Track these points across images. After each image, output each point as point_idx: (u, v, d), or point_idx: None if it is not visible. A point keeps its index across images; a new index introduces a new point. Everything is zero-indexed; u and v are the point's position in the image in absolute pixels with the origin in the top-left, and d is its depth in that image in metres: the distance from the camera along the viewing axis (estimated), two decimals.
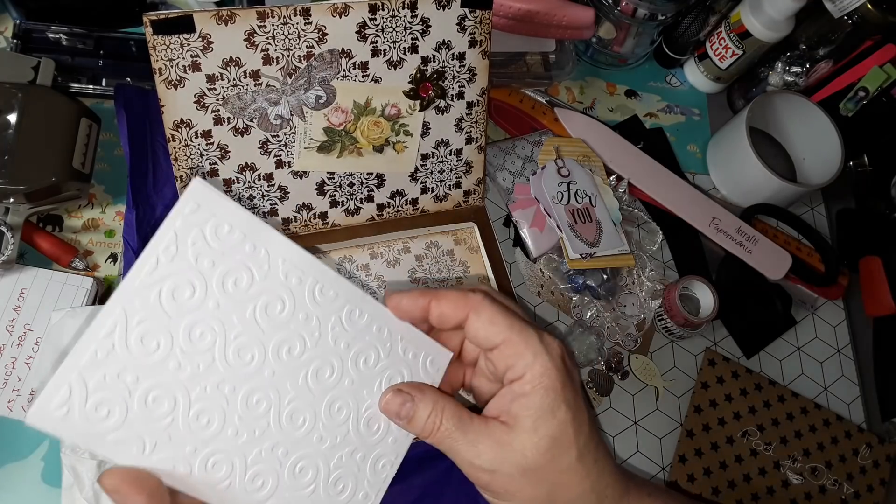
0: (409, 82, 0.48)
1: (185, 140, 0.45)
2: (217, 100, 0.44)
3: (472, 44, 0.49)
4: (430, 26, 0.47)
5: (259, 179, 0.48)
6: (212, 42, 0.42)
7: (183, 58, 0.42)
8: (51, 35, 0.55)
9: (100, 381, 0.26)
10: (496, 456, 0.29)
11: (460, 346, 0.34)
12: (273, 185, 0.48)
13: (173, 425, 0.27)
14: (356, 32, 0.45)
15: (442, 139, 0.52)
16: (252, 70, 0.44)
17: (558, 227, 0.55)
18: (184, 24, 0.41)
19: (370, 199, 0.52)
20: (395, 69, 0.48)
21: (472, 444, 0.30)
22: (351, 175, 0.50)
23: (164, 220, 0.27)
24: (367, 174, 0.51)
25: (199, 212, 0.27)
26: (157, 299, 0.27)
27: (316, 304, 0.30)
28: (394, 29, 0.46)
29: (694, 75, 0.74)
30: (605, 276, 0.57)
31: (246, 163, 0.47)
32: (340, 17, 0.44)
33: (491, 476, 0.29)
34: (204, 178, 0.29)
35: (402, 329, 0.32)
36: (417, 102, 0.49)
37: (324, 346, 0.30)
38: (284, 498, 0.29)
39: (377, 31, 0.46)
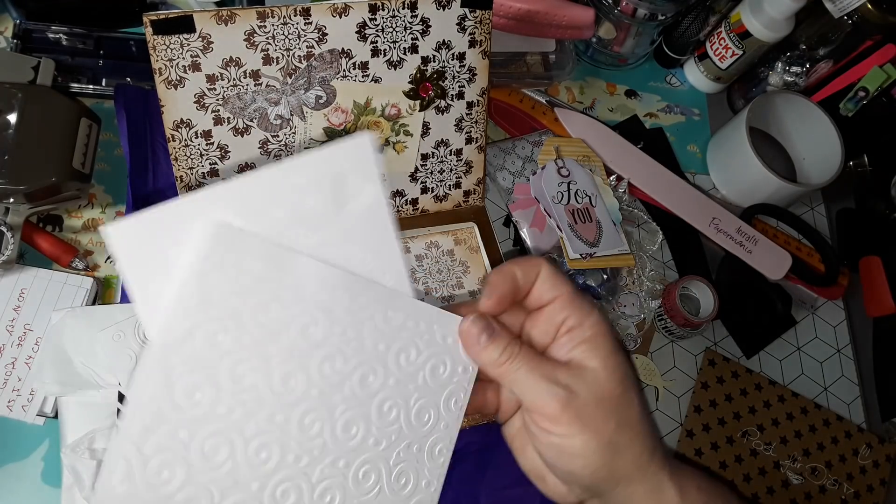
0: (409, 82, 0.48)
1: (185, 140, 0.45)
2: (217, 100, 0.44)
3: (472, 44, 0.49)
4: (430, 26, 0.47)
5: None
6: (212, 42, 0.42)
7: (183, 58, 0.42)
8: (51, 35, 0.55)
9: (155, 446, 0.25)
10: (572, 381, 0.30)
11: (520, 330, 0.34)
12: None
13: (235, 468, 0.27)
14: (356, 32, 0.45)
15: (442, 139, 0.52)
16: (252, 70, 0.44)
17: (558, 227, 0.55)
18: (184, 24, 0.41)
19: None
20: (395, 69, 0.48)
21: (546, 374, 0.30)
22: None
23: (186, 269, 0.26)
24: None
25: (227, 255, 0.27)
26: (193, 349, 0.26)
27: (350, 315, 0.30)
28: (394, 29, 0.46)
29: (694, 75, 0.74)
30: (605, 276, 0.57)
31: (246, 163, 0.47)
32: (340, 17, 0.44)
33: (563, 405, 0.29)
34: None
35: (435, 316, 0.32)
36: (417, 102, 0.49)
37: (364, 353, 0.30)
38: None
39: (377, 31, 0.46)
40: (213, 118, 0.45)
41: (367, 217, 0.30)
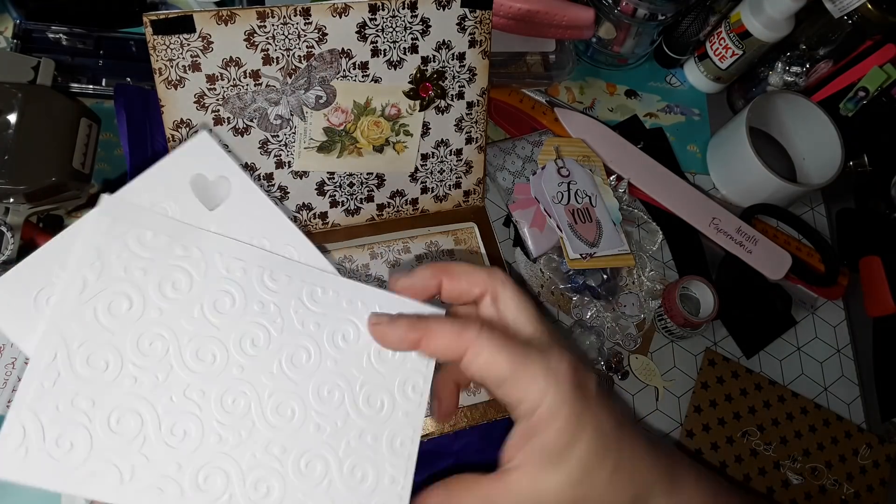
0: (409, 82, 0.48)
1: (185, 140, 0.45)
2: (217, 100, 0.44)
3: (472, 44, 0.49)
4: (430, 26, 0.47)
5: (259, 179, 0.48)
6: (212, 42, 0.42)
7: (183, 58, 0.42)
8: (51, 35, 0.55)
9: (53, 413, 0.24)
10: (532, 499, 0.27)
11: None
12: (273, 185, 0.48)
13: (146, 444, 0.25)
14: (356, 32, 0.45)
15: (442, 139, 0.52)
16: (252, 70, 0.44)
17: (558, 227, 0.55)
18: (184, 24, 0.41)
19: (370, 199, 0.52)
20: (395, 69, 0.48)
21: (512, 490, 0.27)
22: (351, 175, 0.50)
23: (80, 240, 0.26)
24: (367, 174, 0.51)
25: (116, 224, 0.26)
26: (93, 318, 0.26)
27: (269, 291, 0.29)
28: (394, 29, 0.46)
29: (694, 75, 0.74)
30: (605, 276, 0.57)
31: (246, 163, 0.47)
32: (340, 17, 0.44)
33: None
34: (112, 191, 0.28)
35: (379, 297, 0.30)
36: (417, 102, 0.49)
37: (291, 331, 0.29)
38: (298, 499, 0.27)
39: (377, 31, 0.46)
40: (213, 118, 0.45)
41: (246, 206, 0.29)
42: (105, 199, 0.27)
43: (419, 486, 0.47)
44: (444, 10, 0.47)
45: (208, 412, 0.27)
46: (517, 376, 0.27)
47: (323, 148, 0.48)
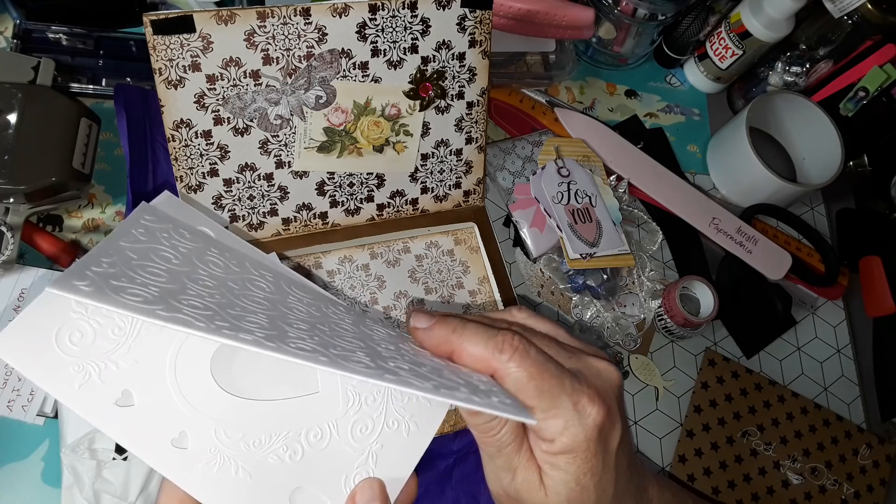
0: (409, 82, 0.48)
1: (185, 140, 0.45)
2: (217, 100, 0.44)
3: (472, 44, 0.49)
4: (430, 26, 0.47)
5: (259, 179, 0.48)
6: (212, 42, 0.42)
7: (183, 58, 0.42)
8: (51, 35, 0.55)
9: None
10: (520, 492, 0.28)
11: None
12: (273, 185, 0.48)
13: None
14: (356, 32, 0.45)
15: (442, 139, 0.52)
16: (252, 70, 0.44)
17: (558, 227, 0.55)
18: (184, 24, 0.41)
19: (370, 199, 0.52)
20: (395, 69, 0.48)
21: (509, 469, 0.28)
22: (351, 175, 0.50)
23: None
24: (367, 174, 0.51)
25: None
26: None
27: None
28: (394, 29, 0.46)
29: (694, 75, 0.74)
30: (605, 276, 0.57)
31: (246, 163, 0.47)
32: (340, 17, 0.44)
33: (507, 500, 0.29)
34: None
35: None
36: (417, 102, 0.49)
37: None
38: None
39: (377, 31, 0.46)
40: (213, 118, 0.45)
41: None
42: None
43: (420, 485, 0.47)
44: (444, 10, 0.47)
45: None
46: (544, 406, 0.26)
47: (323, 148, 0.48)
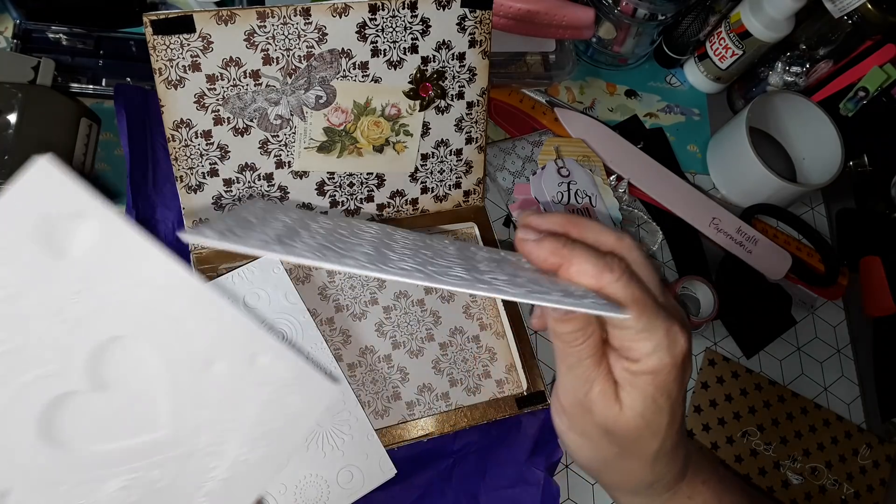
0: (409, 82, 0.48)
1: (185, 140, 0.45)
2: (217, 100, 0.44)
3: (472, 44, 0.49)
4: (430, 26, 0.47)
5: (259, 179, 0.48)
6: (212, 42, 0.42)
7: (183, 58, 0.42)
8: (51, 35, 0.55)
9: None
10: (596, 402, 0.29)
11: None
12: (273, 185, 0.48)
13: None
14: (356, 32, 0.45)
15: (442, 139, 0.52)
16: (252, 70, 0.44)
17: None
18: (184, 24, 0.41)
19: (370, 199, 0.52)
20: (395, 69, 0.48)
21: (587, 380, 0.29)
22: (351, 175, 0.50)
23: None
24: (367, 174, 0.51)
25: None
26: None
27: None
28: (394, 29, 0.46)
29: (694, 75, 0.74)
30: None
31: (246, 163, 0.47)
32: (340, 17, 0.44)
33: (580, 411, 0.29)
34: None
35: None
36: (417, 102, 0.49)
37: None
38: None
39: (377, 31, 0.46)
40: (213, 118, 0.45)
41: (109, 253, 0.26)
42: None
43: (420, 485, 0.47)
44: (444, 10, 0.47)
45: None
46: (641, 330, 0.28)
47: (323, 148, 0.48)
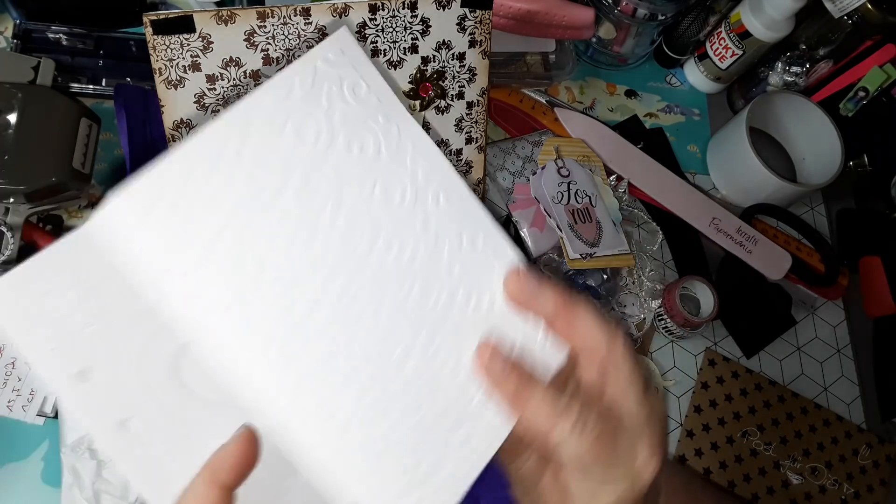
0: (409, 82, 0.48)
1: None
2: (217, 100, 0.44)
3: (472, 44, 0.49)
4: (430, 26, 0.47)
5: None
6: (212, 42, 0.42)
7: (183, 58, 0.42)
8: (51, 35, 0.55)
9: (197, 186, 0.23)
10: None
11: None
12: None
13: (240, 270, 0.23)
14: (356, 32, 0.45)
15: (442, 139, 0.52)
16: (252, 70, 0.44)
17: (558, 227, 0.55)
18: (184, 24, 0.41)
19: None
20: (395, 69, 0.48)
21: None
22: None
23: (302, 56, 0.24)
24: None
25: (341, 60, 0.25)
26: (281, 128, 0.24)
27: (438, 210, 0.26)
28: (394, 29, 0.46)
29: (694, 75, 0.74)
30: (605, 276, 0.57)
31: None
32: (340, 17, 0.44)
33: None
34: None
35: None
36: (417, 102, 0.49)
37: (434, 263, 0.26)
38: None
39: (377, 31, 0.46)
40: (213, 118, 0.45)
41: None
42: (344, 31, 0.25)
43: None
44: (444, 10, 0.47)
45: (319, 278, 0.24)
46: (603, 480, 0.26)
47: None
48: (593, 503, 0.26)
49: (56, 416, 0.45)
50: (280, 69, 0.26)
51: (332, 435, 0.24)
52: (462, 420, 0.26)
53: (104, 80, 0.55)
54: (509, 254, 0.27)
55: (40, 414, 0.45)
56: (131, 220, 0.22)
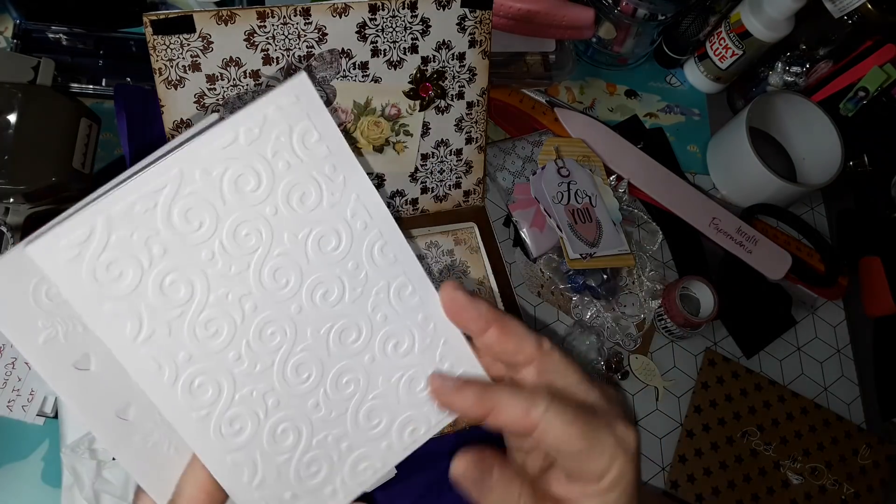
0: (409, 82, 0.48)
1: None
2: (217, 100, 0.44)
3: (472, 44, 0.49)
4: (430, 26, 0.47)
5: None
6: (212, 42, 0.42)
7: (183, 58, 0.42)
8: (51, 35, 0.55)
9: (124, 239, 0.23)
10: None
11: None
12: None
13: (178, 320, 0.24)
14: (356, 32, 0.45)
15: (442, 139, 0.52)
16: (252, 70, 0.44)
17: (558, 227, 0.55)
18: (184, 24, 0.41)
19: None
20: (395, 69, 0.48)
21: None
22: None
23: (254, 102, 0.24)
24: (367, 174, 0.51)
25: (294, 107, 0.25)
26: (219, 177, 0.24)
27: (371, 260, 0.27)
28: (394, 29, 0.46)
29: (694, 75, 0.74)
30: (605, 276, 0.57)
31: None
32: (340, 17, 0.44)
33: None
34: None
35: (448, 332, 0.29)
36: (417, 102, 0.49)
37: (360, 308, 0.27)
38: (256, 449, 0.27)
39: (377, 31, 0.46)
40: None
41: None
42: (303, 77, 0.25)
43: (419, 486, 0.47)
44: (444, 10, 0.47)
45: (245, 329, 0.26)
46: (590, 448, 0.27)
47: None
48: (600, 478, 0.27)
49: (56, 416, 0.45)
50: (232, 111, 0.26)
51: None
52: (359, 445, 0.29)
53: (104, 80, 0.55)
54: (435, 303, 0.29)
55: (40, 414, 0.45)
56: (64, 255, 0.23)
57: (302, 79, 0.25)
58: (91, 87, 0.55)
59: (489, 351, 0.29)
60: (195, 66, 0.43)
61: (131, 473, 0.26)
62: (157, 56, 0.42)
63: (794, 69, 0.69)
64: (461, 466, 0.29)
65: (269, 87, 0.45)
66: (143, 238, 0.24)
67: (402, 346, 0.29)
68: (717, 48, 0.69)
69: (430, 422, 0.30)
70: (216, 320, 0.25)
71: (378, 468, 0.29)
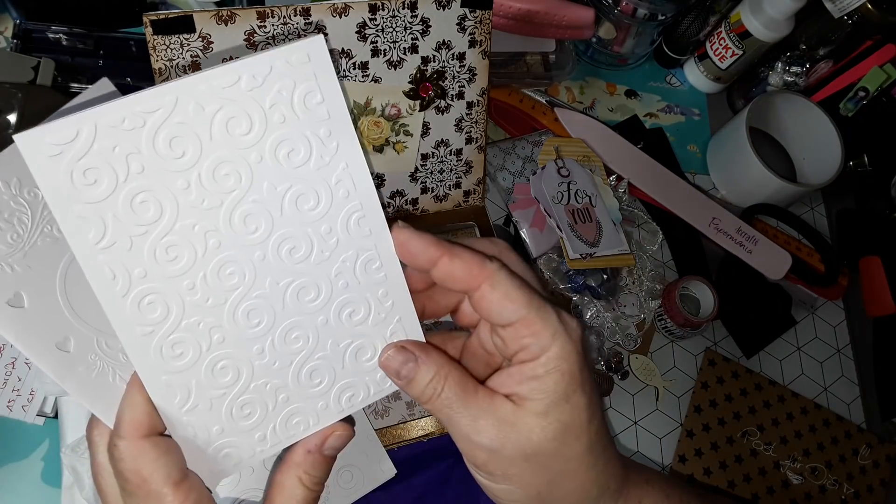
0: (409, 82, 0.48)
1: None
2: None
3: (472, 44, 0.49)
4: (430, 26, 0.47)
5: None
6: (212, 42, 0.42)
7: (183, 58, 0.42)
8: (51, 35, 0.55)
9: (107, 149, 0.23)
10: (498, 435, 0.26)
11: (455, 306, 0.31)
12: None
13: (141, 238, 0.25)
14: (356, 32, 0.45)
15: (442, 139, 0.52)
16: None
17: (558, 227, 0.55)
18: (184, 24, 0.41)
19: None
20: (395, 69, 0.48)
21: (474, 418, 0.27)
22: None
23: (265, 52, 0.25)
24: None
25: (303, 65, 0.25)
26: (211, 115, 0.24)
27: (346, 228, 0.28)
28: (394, 29, 0.46)
29: (694, 75, 0.74)
30: (605, 276, 0.57)
31: None
32: (340, 17, 0.44)
33: (489, 456, 0.27)
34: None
35: (404, 311, 0.29)
36: (417, 102, 0.49)
37: (324, 271, 0.28)
38: (193, 378, 0.27)
39: (377, 31, 0.46)
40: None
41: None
42: (319, 40, 0.25)
43: (420, 485, 0.47)
44: (444, 10, 0.47)
45: (205, 263, 0.26)
46: (532, 316, 0.26)
47: None
48: (538, 356, 0.26)
49: (56, 416, 0.45)
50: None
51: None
52: (296, 399, 0.29)
53: None
54: (400, 284, 0.29)
55: (40, 414, 0.45)
56: (46, 151, 0.23)
57: (317, 40, 0.25)
58: (91, 87, 0.55)
59: (446, 282, 0.28)
60: (195, 66, 0.43)
61: (82, 402, 0.27)
62: (157, 56, 0.42)
63: (794, 69, 0.69)
64: (385, 353, 0.29)
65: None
66: (124, 152, 0.24)
67: (357, 316, 0.29)
68: (717, 48, 0.69)
69: (370, 391, 0.30)
70: (178, 247, 0.25)
71: (310, 425, 0.30)
